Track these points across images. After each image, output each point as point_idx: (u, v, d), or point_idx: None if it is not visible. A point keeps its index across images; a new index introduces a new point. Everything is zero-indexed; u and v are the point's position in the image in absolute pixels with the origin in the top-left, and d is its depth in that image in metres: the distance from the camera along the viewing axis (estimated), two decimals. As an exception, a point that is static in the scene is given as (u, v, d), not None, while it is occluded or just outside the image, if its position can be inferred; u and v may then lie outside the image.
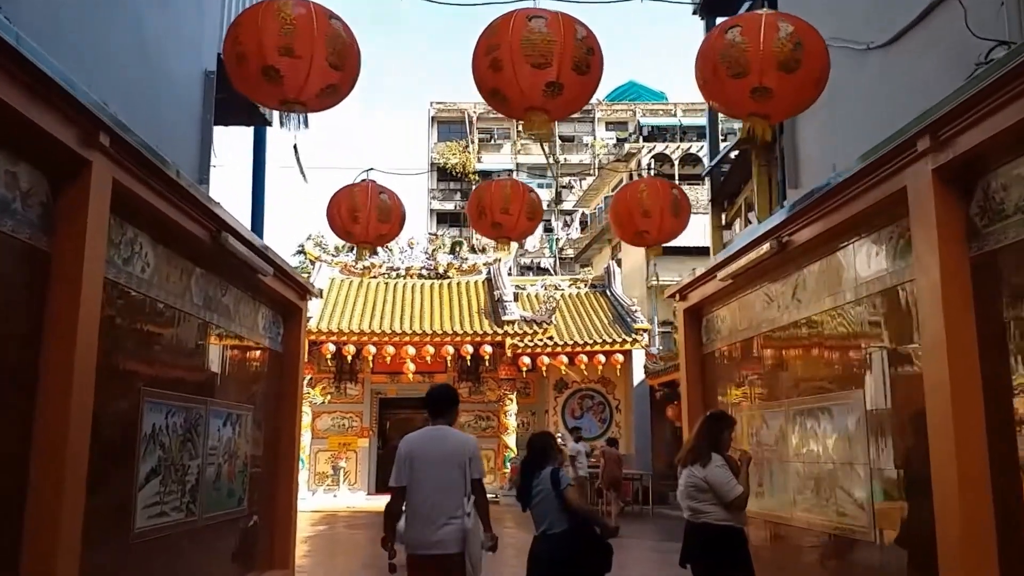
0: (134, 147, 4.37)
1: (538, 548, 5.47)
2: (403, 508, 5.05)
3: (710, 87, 4.36)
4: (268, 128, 9.29)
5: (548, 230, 48.21)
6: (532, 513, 5.56)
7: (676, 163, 36.90)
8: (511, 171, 49.35)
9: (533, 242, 47.71)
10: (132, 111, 4.42)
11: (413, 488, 4.98)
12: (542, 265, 46.93)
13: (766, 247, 6.27)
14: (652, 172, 35.43)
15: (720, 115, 12.07)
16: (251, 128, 9.26)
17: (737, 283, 7.25)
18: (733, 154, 11.61)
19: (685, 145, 39.05)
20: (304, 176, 5.13)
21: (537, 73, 4.24)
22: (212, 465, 5.87)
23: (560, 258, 47.28)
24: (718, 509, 5.35)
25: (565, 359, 21.75)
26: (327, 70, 4.28)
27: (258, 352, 7.15)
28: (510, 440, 21.55)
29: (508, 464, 21.24)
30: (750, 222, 11.46)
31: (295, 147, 5.04)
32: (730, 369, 7.78)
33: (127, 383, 4.69)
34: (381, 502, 18.04)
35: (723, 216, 12.27)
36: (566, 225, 47.57)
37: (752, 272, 6.83)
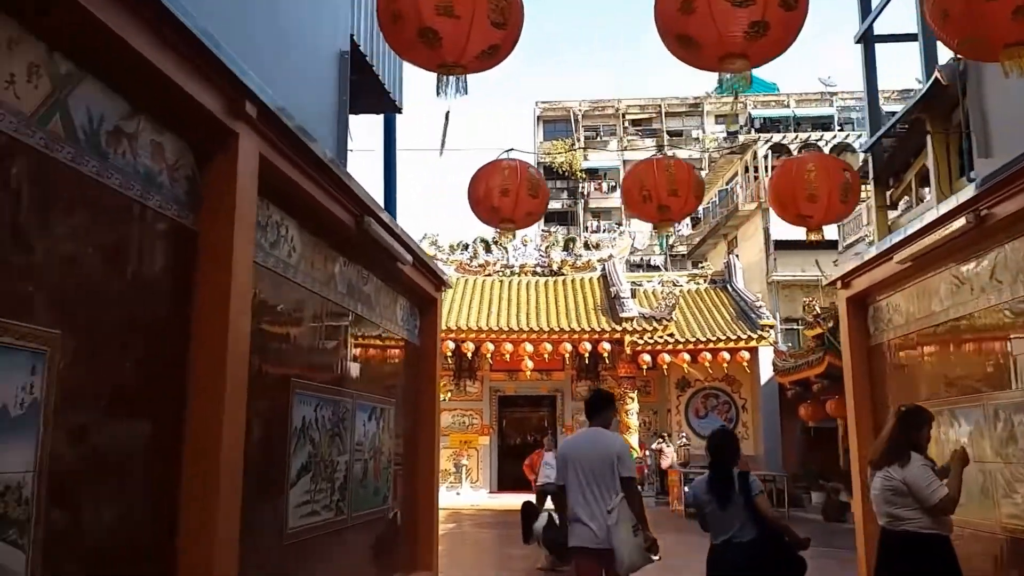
0: (281, 119, 4.06)
1: (721, 556, 4.95)
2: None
3: (957, 21, 3.67)
4: (398, 115, 9.09)
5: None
6: (710, 518, 5.04)
7: (795, 153, 35.45)
8: (618, 169, 48.69)
9: (643, 239, 46.95)
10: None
11: (569, 487, 5.40)
12: (652, 262, 46.06)
13: (960, 223, 5.55)
14: (769, 163, 34.34)
15: (879, 89, 11.13)
16: (380, 116, 9.06)
17: (916, 266, 6.52)
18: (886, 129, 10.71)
19: (803, 135, 37.58)
20: (442, 148, 4.83)
21: (738, 12, 3.64)
22: (359, 461, 5.56)
23: (671, 255, 46.34)
24: (921, 515, 4.74)
25: (687, 357, 21.03)
26: (489, 29, 3.84)
27: (397, 344, 6.84)
28: (632, 440, 20.97)
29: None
30: (922, 200, 10.54)
31: (447, 115, 4.71)
32: (906, 362, 7.04)
33: (277, 373, 4.40)
34: (504, 501, 17.97)
35: (887, 195, 11.36)
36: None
37: (937, 252, 6.11)
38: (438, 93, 3.95)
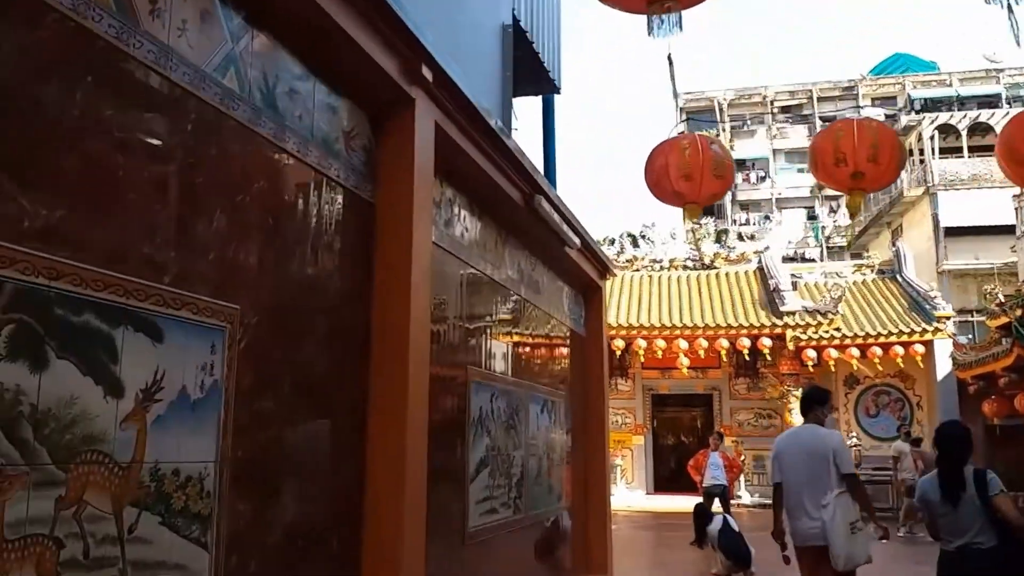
0: (456, 86, 3.74)
1: (958, 563, 4.29)
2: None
3: None
4: (557, 96, 8.74)
5: (812, 218, 45.28)
6: (941, 521, 4.40)
7: (963, 134, 33.12)
8: (767, 159, 46.87)
9: (796, 231, 45.07)
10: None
11: (786, 485, 5.36)
12: (806, 255, 43.99)
13: None
14: (936, 145, 32.20)
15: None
16: (538, 97, 8.73)
17: None
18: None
19: (972, 114, 34.92)
20: (675, 92, 4.46)
21: None
22: (533, 456, 5.22)
23: (827, 247, 44.21)
24: None
25: (855, 352, 19.71)
26: None
27: (564, 334, 6.47)
28: (797, 440, 19.85)
29: (796, 466, 19.59)
30: None
31: (669, 57, 4.35)
32: None
33: (454, 360, 4.09)
34: (661, 503, 17.29)
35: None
36: (832, 211, 44.49)
37: None
38: (650, 33, 3.57)
